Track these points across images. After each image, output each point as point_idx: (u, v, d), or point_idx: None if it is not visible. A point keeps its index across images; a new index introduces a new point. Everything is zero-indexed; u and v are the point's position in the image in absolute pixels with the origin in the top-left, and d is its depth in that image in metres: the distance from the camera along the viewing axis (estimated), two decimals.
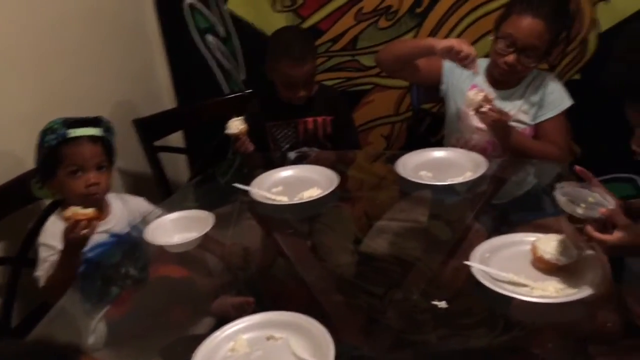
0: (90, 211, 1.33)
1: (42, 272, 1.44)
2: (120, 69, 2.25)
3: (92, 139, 1.49)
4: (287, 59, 1.89)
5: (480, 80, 1.83)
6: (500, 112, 1.68)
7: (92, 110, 1.60)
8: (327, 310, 1.26)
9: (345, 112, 2.13)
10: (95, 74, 2.10)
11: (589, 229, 1.13)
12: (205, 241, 1.46)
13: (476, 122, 1.77)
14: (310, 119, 2.03)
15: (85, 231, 1.33)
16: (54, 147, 1.46)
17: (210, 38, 2.40)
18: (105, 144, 1.52)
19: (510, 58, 1.69)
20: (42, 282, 1.44)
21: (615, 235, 1.10)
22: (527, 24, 1.65)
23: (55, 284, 1.39)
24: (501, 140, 1.76)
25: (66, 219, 1.33)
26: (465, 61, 1.67)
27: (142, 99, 2.34)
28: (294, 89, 1.94)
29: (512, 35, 1.67)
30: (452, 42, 1.67)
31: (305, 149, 2.02)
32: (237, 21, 2.34)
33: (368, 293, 1.37)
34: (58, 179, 1.48)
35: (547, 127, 1.79)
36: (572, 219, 1.20)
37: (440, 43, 1.69)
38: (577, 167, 1.28)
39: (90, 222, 1.33)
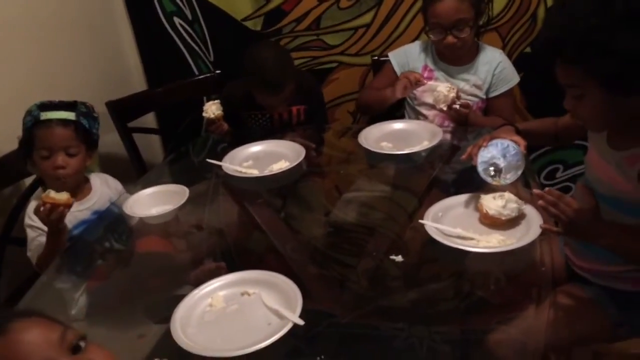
0: (63, 197, 1.37)
1: (32, 252, 1.52)
2: (91, 54, 2.28)
3: (63, 122, 1.51)
4: (263, 89, 1.89)
5: (430, 60, 1.95)
6: (468, 106, 1.80)
7: (65, 95, 1.63)
8: (303, 281, 1.33)
9: (318, 101, 2.16)
10: (67, 59, 2.13)
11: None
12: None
13: (430, 100, 1.87)
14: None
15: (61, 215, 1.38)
16: (29, 129, 1.51)
17: (177, 21, 2.45)
18: (78, 128, 1.54)
19: (448, 40, 1.80)
20: (34, 261, 1.52)
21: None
22: (443, 7, 1.76)
23: (48, 261, 1.45)
24: (459, 122, 1.88)
25: (42, 204, 1.37)
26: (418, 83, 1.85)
27: (114, 82, 2.38)
28: (271, 108, 1.99)
29: (438, 23, 1.79)
30: (402, 81, 1.84)
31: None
32: (204, 4, 2.38)
33: (340, 263, 1.45)
34: (34, 160, 1.54)
35: (498, 102, 1.93)
36: None
37: (395, 92, 1.86)
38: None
39: (66, 207, 1.38)
